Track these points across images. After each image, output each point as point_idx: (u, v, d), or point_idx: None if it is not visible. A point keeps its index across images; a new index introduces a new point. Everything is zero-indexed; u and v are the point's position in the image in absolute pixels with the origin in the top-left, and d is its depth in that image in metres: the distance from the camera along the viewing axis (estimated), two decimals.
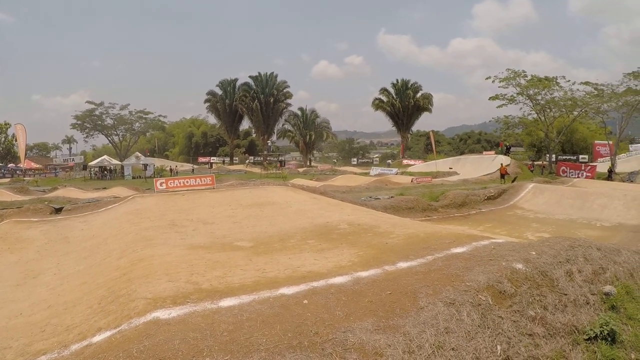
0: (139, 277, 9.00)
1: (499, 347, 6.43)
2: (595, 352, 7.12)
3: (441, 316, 6.63)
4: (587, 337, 7.40)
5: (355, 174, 76.08)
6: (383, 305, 6.91)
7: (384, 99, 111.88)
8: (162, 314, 6.70)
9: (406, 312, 6.72)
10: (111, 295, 8.54)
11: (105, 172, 77.75)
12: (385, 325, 6.32)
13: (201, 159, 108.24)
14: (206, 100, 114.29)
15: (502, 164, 46.60)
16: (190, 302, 7.09)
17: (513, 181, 42.97)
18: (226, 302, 7.07)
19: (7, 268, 13.54)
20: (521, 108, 67.26)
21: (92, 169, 79.86)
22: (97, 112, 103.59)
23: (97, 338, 6.57)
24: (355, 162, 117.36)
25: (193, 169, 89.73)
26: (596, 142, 76.87)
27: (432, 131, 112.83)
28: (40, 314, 9.18)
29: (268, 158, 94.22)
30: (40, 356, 6.74)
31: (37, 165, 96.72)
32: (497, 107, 67.19)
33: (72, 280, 11.30)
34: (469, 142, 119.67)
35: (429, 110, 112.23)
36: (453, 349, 6.11)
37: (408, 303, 7.00)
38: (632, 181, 48.55)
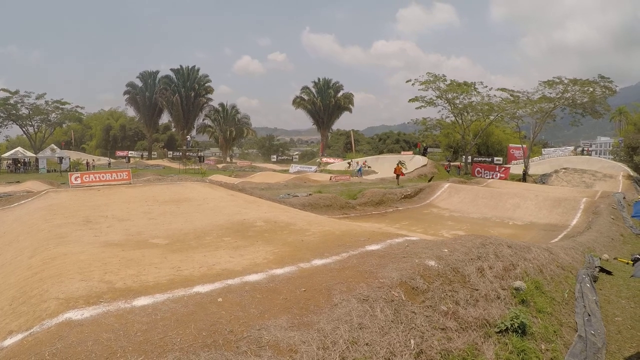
0: (51, 277, 8.80)
1: (412, 342, 6.64)
2: (506, 344, 7.45)
3: (355, 312, 6.80)
4: (498, 330, 7.74)
5: (275, 171, 76.16)
6: (297, 303, 7.03)
7: (306, 97, 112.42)
8: (75, 314, 6.59)
9: (320, 308, 6.86)
10: (23, 295, 8.33)
11: (19, 164, 75.04)
12: (300, 322, 6.43)
13: (119, 153, 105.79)
14: (125, 92, 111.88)
15: (397, 164, 46.77)
16: (103, 302, 7.00)
17: (429, 181, 43.90)
18: (140, 302, 7.02)
19: None
20: (440, 111, 68.95)
21: (5, 161, 77.07)
22: (11, 101, 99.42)
23: (8, 341, 6.42)
24: (275, 159, 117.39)
25: (110, 163, 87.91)
26: (511, 145, 79.74)
27: (353, 130, 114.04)
28: None
29: (187, 153, 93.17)
30: None
31: None
32: (416, 109, 68.60)
33: None
34: (388, 141, 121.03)
35: (350, 109, 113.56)
36: (367, 344, 6.27)
37: (322, 300, 7.14)
38: (544, 183, 50.46)
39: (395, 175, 43.58)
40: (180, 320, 6.33)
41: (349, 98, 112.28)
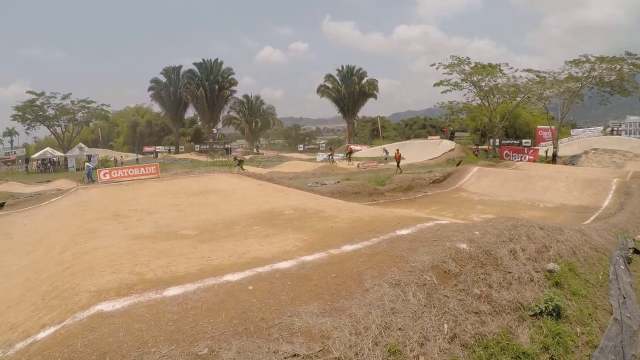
0: (83, 271, 8.85)
1: (445, 326, 6.54)
2: (541, 328, 7.31)
3: (387, 297, 6.71)
4: (532, 313, 7.59)
5: (302, 160, 76.04)
6: (328, 289, 6.96)
7: (330, 85, 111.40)
8: (106, 306, 6.61)
9: (352, 294, 6.78)
10: (55, 290, 8.39)
11: (49, 164, 75.91)
12: (331, 308, 6.36)
13: (146, 149, 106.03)
14: (150, 88, 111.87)
15: (397, 150, 45.97)
16: (134, 293, 7.02)
17: (458, 165, 43.46)
18: (171, 292, 7.02)
19: None
20: (465, 94, 67.96)
21: (34, 162, 77.95)
22: (38, 103, 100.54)
23: (41, 335, 6.46)
24: (301, 149, 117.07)
25: (138, 159, 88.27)
26: (539, 127, 78.26)
27: (379, 117, 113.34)
28: None
29: (214, 146, 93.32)
30: None
31: None
32: (441, 93, 67.75)
33: (14, 277, 11.05)
34: (414, 127, 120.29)
35: (375, 96, 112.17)
36: (400, 329, 6.18)
37: (353, 285, 7.06)
38: (573, 164, 49.71)
39: (396, 162, 42.69)
40: (211, 309, 6.31)
41: (373, 84, 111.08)
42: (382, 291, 6.85)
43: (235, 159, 52.73)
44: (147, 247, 10.27)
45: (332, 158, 58.29)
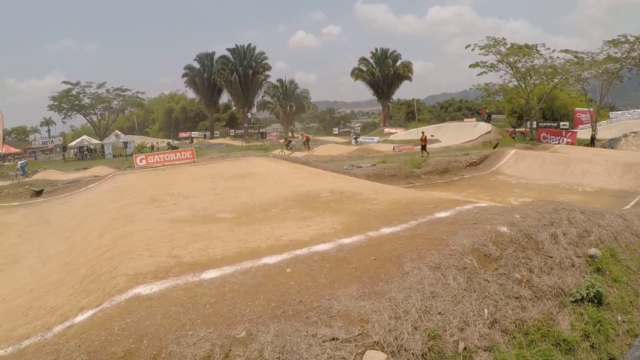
0: (120, 254, 8.89)
1: (486, 311, 6.39)
2: (582, 315, 7.11)
3: (427, 280, 6.58)
4: (573, 300, 7.39)
5: (337, 143, 75.90)
6: (367, 271, 6.84)
7: (364, 68, 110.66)
8: (144, 289, 6.62)
9: (391, 277, 6.65)
10: (93, 274, 8.43)
11: (86, 152, 76.94)
12: (371, 291, 6.25)
13: (182, 135, 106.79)
14: (184, 75, 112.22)
15: (422, 132, 44.00)
16: (171, 276, 7.00)
17: (495, 147, 42.94)
18: (208, 275, 6.99)
19: None
20: (502, 76, 67.00)
21: (72, 150, 79.09)
22: (73, 92, 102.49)
23: (79, 318, 6.48)
24: (336, 132, 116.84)
25: (173, 144, 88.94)
26: (577, 109, 76.84)
27: (414, 99, 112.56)
28: (23, 298, 9.06)
29: (249, 130, 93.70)
30: (24, 340, 6.64)
31: (16, 150, 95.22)
32: (477, 75, 67.04)
33: (53, 262, 11.19)
34: (449, 109, 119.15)
35: (409, 78, 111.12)
36: (440, 313, 6.05)
37: (393, 268, 6.93)
38: (613, 147, 48.68)
39: (421, 146, 41.36)
40: (249, 291, 6.26)
41: (408, 67, 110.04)
42: (422, 274, 6.71)
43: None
44: (184, 230, 10.29)
45: (290, 147, 57.35)
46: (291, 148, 49.74)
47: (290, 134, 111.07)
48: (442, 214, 10.11)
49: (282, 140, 58.75)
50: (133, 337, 5.42)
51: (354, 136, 62.67)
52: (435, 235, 8.32)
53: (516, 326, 6.43)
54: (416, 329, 5.70)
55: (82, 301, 7.19)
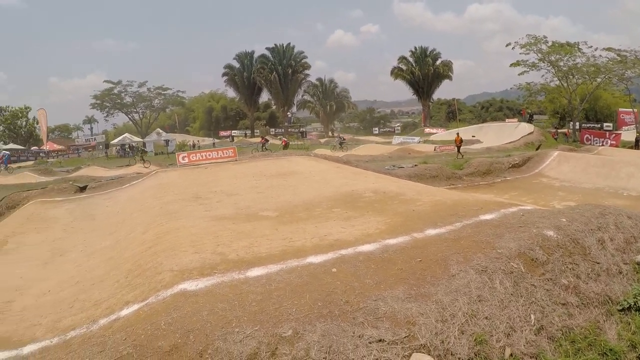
0: (165, 250, 8.98)
1: (532, 317, 6.28)
2: (629, 324, 6.91)
3: (473, 284, 6.48)
4: (620, 308, 7.19)
5: (377, 143, 75.63)
6: (413, 273, 6.78)
7: (403, 67, 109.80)
8: (189, 285, 6.68)
9: (437, 279, 6.58)
10: (138, 269, 8.54)
11: (127, 149, 77.88)
12: (417, 293, 6.19)
13: (222, 133, 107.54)
14: (224, 74, 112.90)
15: (457, 134, 43.36)
16: (217, 273, 7.05)
17: (537, 149, 42.33)
18: (254, 272, 7.02)
19: (35, 247, 13.67)
20: (543, 75, 66.07)
21: (114, 147, 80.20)
22: (115, 91, 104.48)
23: (125, 312, 6.57)
24: (376, 132, 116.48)
25: (214, 143, 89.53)
26: (620, 109, 75.13)
27: (455, 99, 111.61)
28: (69, 290, 9.22)
29: (289, 129, 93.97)
30: (70, 331, 6.74)
31: (60, 147, 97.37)
32: (518, 74, 66.23)
33: (98, 256, 11.35)
34: (490, 109, 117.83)
35: (450, 77, 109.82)
36: (486, 317, 5.96)
37: (439, 271, 6.85)
38: None
39: (456, 148, 40.44)
40: (295, 290, 6.26)
41: (448, 65, 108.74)
42: (469, 277, 6.62)
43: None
44: (228, 228, 10.33)
45: (264, 147, 56.58)
46: (267, 149, 49.69)
47: (330, 133, 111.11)
48: (487, 216, 9.97)
49: (260, 139, 58.35)
50: (179, 332, 5.46)
51: (339, 140, 61.71)
52: (481, 238, 8.20)
53: (562, 333, 6.28)
54: (463, 333, 5.62)
55: (127, 295, 7.30)
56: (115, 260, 10.25)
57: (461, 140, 39.71)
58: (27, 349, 6.65)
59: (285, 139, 55.58)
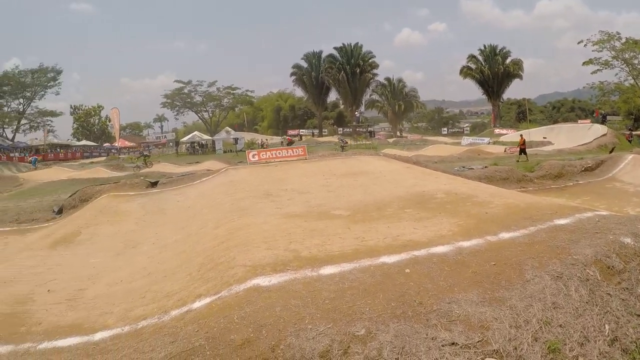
0: (237, 245, 9.10)
1: (607, 327, 6.08)
2: None
3: (548, 290, 6.32)
4: None
5: (446, 144, 74.95)
6: (488, 277, 6.66)
7: (472, 66, 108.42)
8: (262, 281, 6.74)
9: (512, 284, 6.44)
10: (210, 262, 8.67)
11: (197, 147, 79.28)
12: (491, 297, 6.08)
13: (290, 132, 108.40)
14: (292, 74, 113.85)
15: (521, 136, 42.14)
16: (290, 270, 7.10)
17: (611, 152, 41.14)
18: (327, 270, 7.04)
19: (108, 239, 14.10)
20: (617, 74, 64.26)
21: (184, 145, 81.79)
22: (185, 91, 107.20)
23: (197, 304, 6.70)
24: (445, 132, 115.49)
25: (283, 142, 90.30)
26: None
27: (525, 99, 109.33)
28: (140, 281, 9.46)
29: (357, 129, 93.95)
30: (141, 321, 6.91)
31: (131, 144, 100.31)
32: (591, 73, 64.64)
33: (170, 249, 11.58)
34: (562, 110, 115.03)
35: (520, 76, 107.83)
36: (561, 325, 5.80)
37: (513, 275, 6.71)
38: None
39: (519, 150, 39.30)
40: (368, 290, 6.24)
41: (518, 64, 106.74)
42: (544, 283, 6.45)
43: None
44: (300, 225, 10.39)
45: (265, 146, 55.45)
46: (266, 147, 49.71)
47: (398, 133, 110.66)
48: (562, 221, 9.71)
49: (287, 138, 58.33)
50: (252, 327, 5.53)
51: (341, 143, 61.04)
52: (556, 243, 7.98)
53: (637, 346, 6.07)
54: (536, 340, 5.49)
55: (199, 288, 7.43)
56: (187, 253, 10.46)
57: (525, 142, 38.79)
58: (98, 336, 6.86)
59: (290, 137, 54.97)
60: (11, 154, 69.13)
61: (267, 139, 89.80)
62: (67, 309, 8.70)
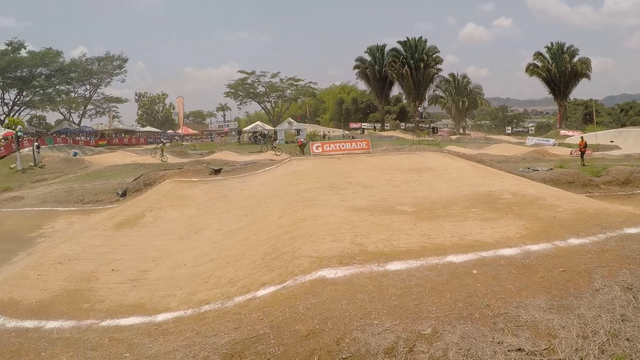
0: (302, 236, 9.15)
1: None
2: None
3: (617, 301, 6.14)
4: None
5: (510, 143, 73.68)
6: (556, 283, 6.53)
7: (539, 63, 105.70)
8: (328, 273, 6.78)
9: (580, 292, 6.29)
10: (274, 252, 8.76)
11: (259, 137, 79.82)
12: (559, 304, 5.95)
13: (352, 125, 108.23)
14: (355, 67, 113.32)
15: (582, 138, 41.00)
16: (356, 263, 7.11)
17: None
18: (393, 266, 7.02)
19: (171, 223, 14.34)
20: None
21: (246, 134, 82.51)
22: (249, 81, 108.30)
23: (261, 292, 6.78)
24: (509, 131, 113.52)
25: (344, 135, 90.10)
26: None
27: (592, 100, 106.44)
28: (204, 266, 9.61)
29: (420, 124, 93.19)
30: (204, 305, 7.04)
31: (194, 131, 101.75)
32: None
33: (233, 236, 11.71)
34: (630, 113, 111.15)
35: (588, 76, 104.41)
36: (628, 339, 5.62)
37: (582, 283, 6.55)
38: None
39: (580, 152, 37.32)
40: (435, 288, 6.22)
41: (586, 63, 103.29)
42: (613, 294, 6.27)
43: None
44: (366, 219, 10.37)
45: (273, 146, 54.26)
46: (274, 147, 49.30)
47: (462, 130, 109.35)
48: (632, 230, 9.41)
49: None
50: (318, 319, 5.58)
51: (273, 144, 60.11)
52: (626, 253, 7.75)
53: None
54: (603, 353, 5.33)
55: (263, 276, 7.53)
56: (251, 241, 10.57)
57: (585, 145, 37.62)
58: (160, 317, 7.06)
59: (302, 140, 54.29)
60: (77, 138, 71.04)
61: (329, 131, 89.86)
62: (130, 288, 8.98)
